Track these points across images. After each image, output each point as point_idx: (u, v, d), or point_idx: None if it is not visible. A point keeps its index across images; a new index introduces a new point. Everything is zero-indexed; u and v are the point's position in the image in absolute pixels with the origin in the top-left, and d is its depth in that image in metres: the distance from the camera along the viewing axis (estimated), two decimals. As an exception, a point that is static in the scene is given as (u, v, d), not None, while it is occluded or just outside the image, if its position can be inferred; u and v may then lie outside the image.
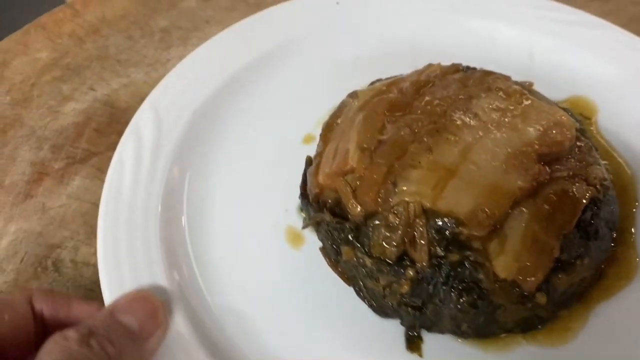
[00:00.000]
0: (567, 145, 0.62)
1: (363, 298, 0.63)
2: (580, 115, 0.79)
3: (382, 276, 0.58)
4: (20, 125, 0.86)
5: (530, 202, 0.57)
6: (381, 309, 0.62)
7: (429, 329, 0.61)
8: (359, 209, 0.59)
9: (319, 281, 0.65)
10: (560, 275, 0.57)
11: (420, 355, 0.59)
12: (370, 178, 0.59)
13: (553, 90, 0.77)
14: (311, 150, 0.71)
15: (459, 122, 0.63)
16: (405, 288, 0.56)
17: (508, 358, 0.59)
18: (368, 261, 0.58)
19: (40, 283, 0.68)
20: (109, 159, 0.81)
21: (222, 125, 0.81)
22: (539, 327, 0.60)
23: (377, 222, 0.58)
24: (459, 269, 0.55)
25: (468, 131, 0.62)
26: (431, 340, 0.60)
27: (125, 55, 0.98)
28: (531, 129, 0.63)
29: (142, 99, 0.89)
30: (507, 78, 0.72)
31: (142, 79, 0.93)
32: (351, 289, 0.64)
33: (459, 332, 0.60)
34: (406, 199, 0.57)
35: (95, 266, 0.70)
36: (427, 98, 0.66)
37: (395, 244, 0.56)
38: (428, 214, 0.56)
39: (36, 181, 0.79)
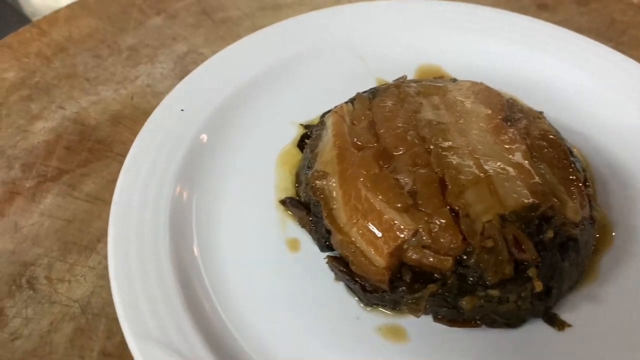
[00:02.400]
0: (505, 100, 0.74)
1: (497, 326, 0.63)
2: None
3: (511, 294, 0.60)
4: (-11, 145, 0.86)
5: (536, 156, 0.67)
6: (518, 322, 0.63)
7: (555, 303, 0.65)
8: (450, 260, 0.59)
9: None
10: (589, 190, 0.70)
11: (570, 325, 0.63)
12: (442, 227, 0.59)
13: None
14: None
15: (439, 135, 0.67)
16: (540, 286, 0.59)
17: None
18: (494, 292, 0.60)
19: (15, 301, 0.68)
20: (81, 176, 0.83)
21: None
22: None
23: (477, 256, 0.59)
24: (556, 239, 0.62)
25: (452, 136, 0.67)
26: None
27: (93, 73, 0.99)
28: (479, 105, 0.72)
29: (111, 116, 0.91)
30: (403, 80, 0.81)
31: (111, 96, 0.95)
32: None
33: (572, 284, 0.66)
34: (484, 219, 0.59)
35: (69, 282, 0.71)
36: (390, 133, 0.68)
37: (507, 260, 0.59)
38: (508, 218, 0.60)
39: (7, 200, 0.79)
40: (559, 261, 0.62)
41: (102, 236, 0.75)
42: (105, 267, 0.72)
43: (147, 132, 0.77)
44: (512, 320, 0.63)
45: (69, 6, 1.12)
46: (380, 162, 0.65)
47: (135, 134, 0.88)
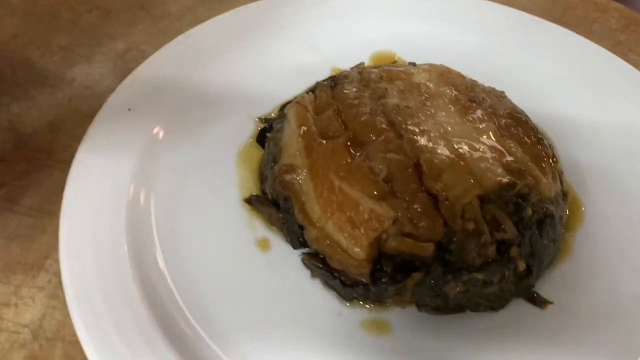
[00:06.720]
0: (468, 80, 0.74)
1: (482, 309, 0.61)
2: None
3: (495, 275, 0.59)
4: None
5: (505, 134, 0.65)
6: (501, 304, 0.62)
7: (536, 281, 0.64)
8: (432, 246, 0.57)
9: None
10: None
11: (552, 302, 0.62)
12: (423, 212, 0.57)
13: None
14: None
15: (408, 120, 0.65)
16: (523, 265, 0.59)
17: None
18: (479, 276, 0.58)
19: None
20: (20, 188, 0.75)
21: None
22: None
23: (459, 239, 0.57)
24: (534, 215, 0.61)
25: (421, 120, 0.65)
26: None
27: (23, 77, 0.90)
28: (443, 87, 0.71)
29: (49, 122, 0.84)
30: (363, 67, 0.79)
31: (47, 101, 0.87)
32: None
33: (549, 262, 0.65)
34: (464, 201, 0.57)
35: (16, 305, 0.64)
36: (358, 121, 0.65)
37: (489, 242, 0.58)
38: (487, 199, 0.58)
39: None
40: (537, 238, 0.61)
41: (50, 252, 0.68)
42: (56, 286, 0.66)
43: (92, 135, 0.70)
44: (496, 303, 0.61)
45: (-11, 6, 1.02)
46: (352, 151, 0.62)
47: (77, 139, 0.81)
